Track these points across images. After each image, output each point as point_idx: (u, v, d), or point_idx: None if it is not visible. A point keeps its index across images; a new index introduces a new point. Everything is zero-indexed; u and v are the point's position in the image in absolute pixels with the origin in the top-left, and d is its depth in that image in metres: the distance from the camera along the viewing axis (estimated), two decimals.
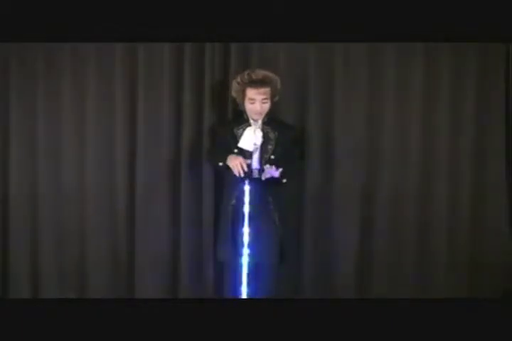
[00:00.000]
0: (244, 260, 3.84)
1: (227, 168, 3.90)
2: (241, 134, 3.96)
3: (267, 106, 3.92)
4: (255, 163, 3.96)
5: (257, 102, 3.88)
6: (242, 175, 3.83)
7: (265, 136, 3.96)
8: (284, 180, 3.88)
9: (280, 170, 3.81)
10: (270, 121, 3.99)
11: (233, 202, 3.96)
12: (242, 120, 4.00)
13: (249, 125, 3.97)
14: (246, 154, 3.95)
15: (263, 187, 3.89)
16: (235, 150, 3.94)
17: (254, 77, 3.86)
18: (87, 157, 4.33)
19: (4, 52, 4.27)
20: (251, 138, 3.94)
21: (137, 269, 4.32)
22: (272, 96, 3.93)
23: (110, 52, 4.28)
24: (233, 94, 3.96)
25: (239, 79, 3.89)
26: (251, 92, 3.87)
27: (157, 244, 4.32)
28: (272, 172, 3.80)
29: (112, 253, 4.36)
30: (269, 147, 3.96)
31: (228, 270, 4.10)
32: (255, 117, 3.95)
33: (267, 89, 3.88)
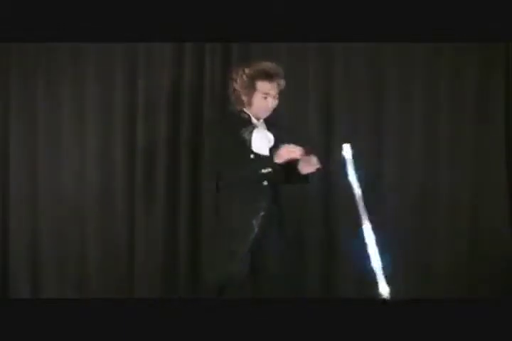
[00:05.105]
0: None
1: (270, 173, 3.29)
2: (249, 137, 3.38)
3: (276, 102, 3.43)
4: None
5: (269, 97, 3.38)
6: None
7: (276, 139, 3.43)
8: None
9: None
10: (270, 121, 3.52)
11: (262, 213, 3.37)
12: (241, 120, 3.43)
13: (255, 126, 3.42)
14: None
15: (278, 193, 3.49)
16: (252, 156, 3.36)
17: (266, 68, 3.36)
18: (87, 157, 4.33)
19: (4, 52, 4.27)
20: (264, 142, 3.41)
21: (137, 269, 4.32)
22: (280, 91, 3.45)
23: (110, 52, 4.28)
24: (239, 89, 3.40)
25: (247, 72, 3.36)
26: (264, 86, 3.36)
27: (157, 243, 4.31)
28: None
29: (112, 254, 4.35)
30: None
31: None
32: (263, 115, 3.44)
33: (281, 82, 3.40)
